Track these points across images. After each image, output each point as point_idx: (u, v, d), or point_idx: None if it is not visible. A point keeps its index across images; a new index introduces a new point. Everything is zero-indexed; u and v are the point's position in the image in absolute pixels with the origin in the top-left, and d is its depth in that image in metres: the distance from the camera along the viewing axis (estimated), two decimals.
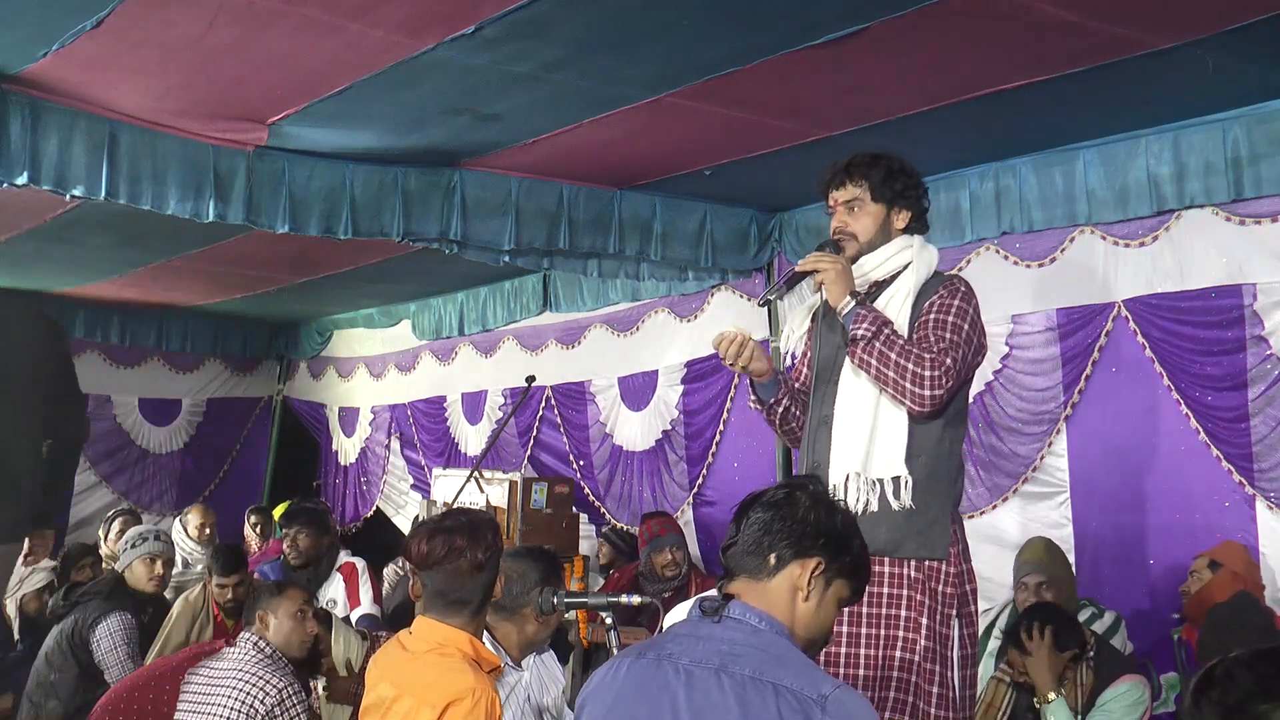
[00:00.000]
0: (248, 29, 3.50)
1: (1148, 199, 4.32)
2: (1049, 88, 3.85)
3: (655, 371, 6.56)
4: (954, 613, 2.91)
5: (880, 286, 3.04)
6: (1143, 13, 3.32)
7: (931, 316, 2.93)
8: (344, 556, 5.36)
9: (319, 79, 3.92)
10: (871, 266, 3.03)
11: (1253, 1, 3.23)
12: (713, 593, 2.26)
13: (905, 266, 3.02)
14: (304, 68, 3.82)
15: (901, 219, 3.05)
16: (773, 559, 2.09)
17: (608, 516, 6.72)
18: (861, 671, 2.85)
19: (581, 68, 3.78)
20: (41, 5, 3.41)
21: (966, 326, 2.93)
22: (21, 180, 4.03)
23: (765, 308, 3.00)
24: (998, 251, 4.89)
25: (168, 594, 5.35)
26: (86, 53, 3.70)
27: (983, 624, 4.39)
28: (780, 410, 3.20)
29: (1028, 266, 4.81)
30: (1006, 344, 4.86)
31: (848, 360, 2.97)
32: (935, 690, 2.85)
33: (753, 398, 3.24)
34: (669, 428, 6.45)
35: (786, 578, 2.08)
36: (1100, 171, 4.44)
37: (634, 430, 6.66)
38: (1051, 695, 3.52)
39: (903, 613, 2.88)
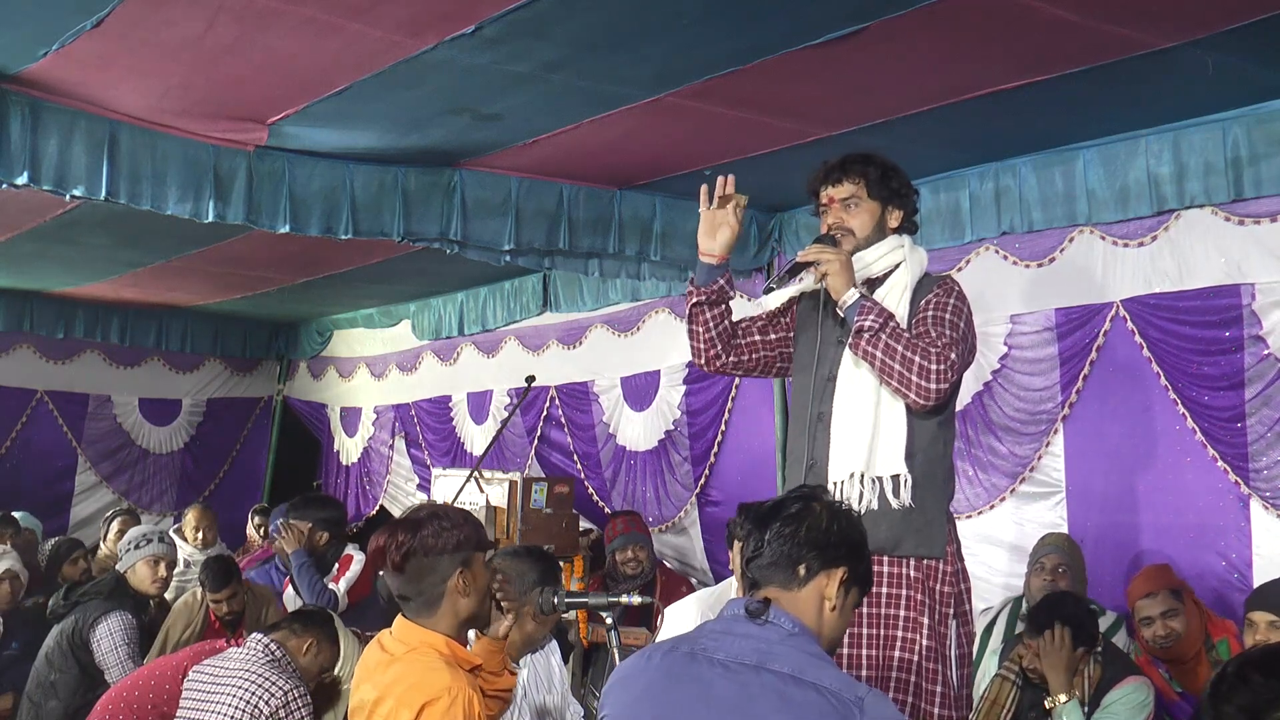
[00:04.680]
0: (248, 29, 3.50)
1: (1147, 199, 4.33)
2: (1049, 88, 3.85)
3: (657, 372, 6.56)
4: (951, 612, 2.93)
5: (874, 283, 3.04)
6: (1143, 13, 3.32)
7: (930, 314, 2.95)
8: (347, 550, 5.34)
9: (319, 79, 3.92)
10: (871, 260, 3.04)
11: (1253, 1, 3.23)
12: (706, 592, 2.27)
13: (898, 265, 3.03)
14: (304, 68, 3.82)
15: (895, 218, 3.07)
16: (802, 570, 2.15)
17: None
18: (863, 672, 2.85)
19: (581, 68, 3.78)
20: (41, 5, 3.41)
21: (963, 325, 2.96)
22: (21, 180, 4.03)
23: (766, 296, 3.04)
24: (997, 251, 4.90)
25: (168, 594, 5.34)
26: (86, 53, 3.70)
27: (981, 624, 4.40)
28: (708, 308, 3.16)
29: (1026, 266, 4.81)
30: (1005, 344, 4.86)
31: (847, 356, 2.97)
32: (939, 690, 2.85)
33: (691, 287, 3.20)
34: (671, 428, 6.45)
35: (815, 588, 2.15)
36: (1100, 171, 4.45)
37: (637, 430, 6.66)
38: (1063, 696, 3.51)
39: (902, 612, 2.88)
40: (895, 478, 2.90)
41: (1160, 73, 3.72)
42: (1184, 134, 4.20)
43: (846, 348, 2.98)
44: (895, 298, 2.99)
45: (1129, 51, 3.57)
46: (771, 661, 2.02)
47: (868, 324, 2.88)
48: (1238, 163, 4.08)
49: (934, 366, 2.83)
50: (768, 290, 3.20)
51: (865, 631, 2.88)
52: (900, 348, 2.85)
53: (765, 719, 1.95)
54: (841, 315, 2.98)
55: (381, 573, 2.79)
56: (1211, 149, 4.14)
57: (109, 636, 4.62)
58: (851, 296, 2.93)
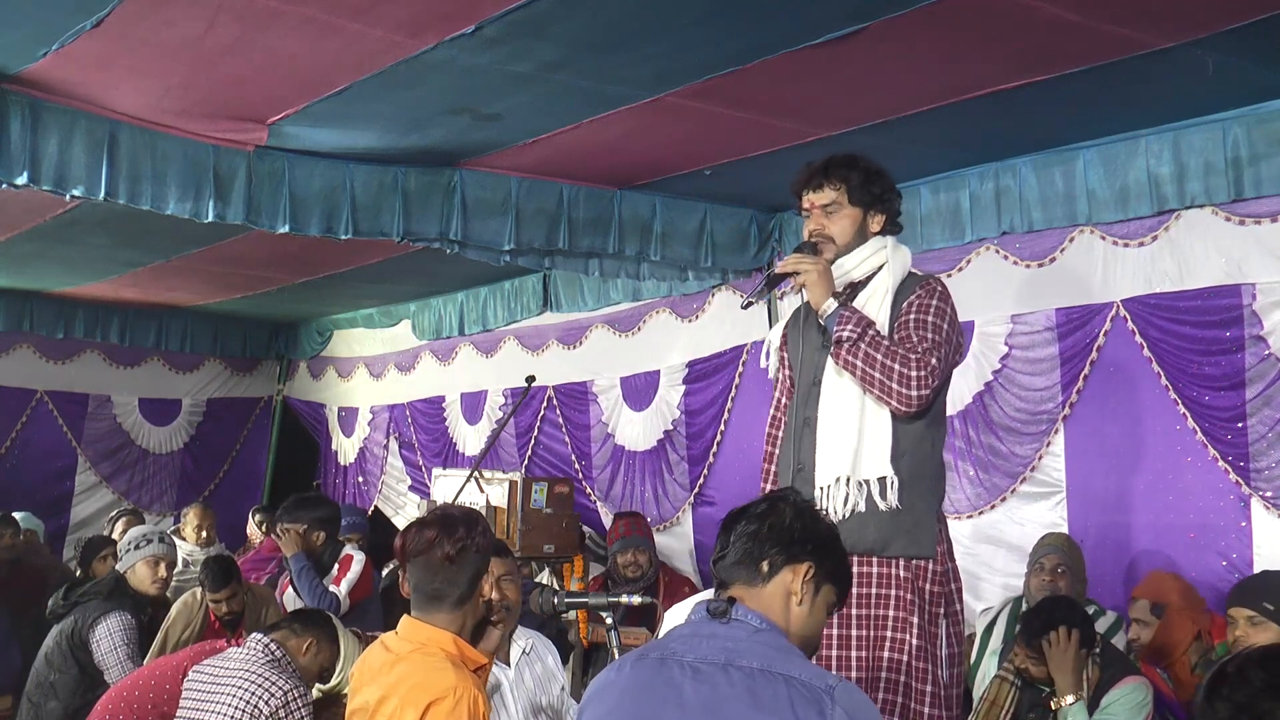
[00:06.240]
0: (248, 29, 3.50)
1: (1148, 199, 4.33)
2: (1049, 88, 3.85)
3: (657, 371, 6.56)
4: (941, 611, 2.94)
5: (856, 287, 3.05)
6: (1143, 13, 3.33)
7: (912, 316, 2.95)
8: (347, 549, 5.33)
9: (319, 79, 3.92)
10: (851, 266, 3.04)
11: (1253, 1, 3.23)
12: (706, 594, 2.28)
13: (881, 267, 3.03)
14: (304, 68, 3.82)
15: (877, 222, 3.07)
16: (765, 566, 2.16)
17: (605, 515, 6.72)
18: (854, 674, 2.85)
19: (581, 68, 3.78)
20: (41, 5, 3.41)
21: (946, 326, 2.96)
22: (21, 180, 4.03)
23: (747, 310, 3.04)
24: (997, 251, 4.90)
25: (167, 594, 5.32)
26: (86, 53, 3.70)
27: (981, 624, 4.40)
28: None
29: (1027, 266, 4.81)
30: (1005, 344, 4.86)
31: (829, 362, 2.98)
32: (929, 689, 2.86)
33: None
34: (670, 428, 6.45)
35: (780, 583, 2.15)
36: (1100, 171, 4.45)
37: (636, 430, 6.66)
38: (1070, 697, 3.52)
39: (891, 612, 2.89)
40: (882, 480, 2.90)
41: (1160, 73, 3.72)
42: (1184, 134, 4.20)
43: (830, 353, 2.98)
44: (878, 301, 3.00)
45: (1129, 51, 3.57)
46: (739, 658, 2.02)
47: (846, 334, 2.89)
48: (1238, 163, 4.08)
49: (914, 373, 2.84)
50: (746, 305, 3.19)
51: (855, 633, 2.88)
52: (880, 356, 2.86)
53: (739, 718, 1.95)
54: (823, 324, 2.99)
55: (399, 567, 2.78)
56: (1211, 149, 4.14)
57: (108, 637, 4.61)
58: (830, 307, 2.94)
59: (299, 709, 3.55)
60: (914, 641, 2.86)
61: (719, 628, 2.09)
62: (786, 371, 3.24)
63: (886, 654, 2.87)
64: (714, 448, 6.16)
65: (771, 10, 3.33)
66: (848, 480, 2.91)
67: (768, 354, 3.29)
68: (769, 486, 3.21)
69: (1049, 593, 4.09)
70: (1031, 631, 3.63)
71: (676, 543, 6.35)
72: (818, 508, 2.87)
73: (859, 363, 2.88)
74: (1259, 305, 4.13)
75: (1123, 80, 3.79)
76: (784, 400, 3.26)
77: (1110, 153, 4.41)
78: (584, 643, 5.12)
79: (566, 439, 7.14)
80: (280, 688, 3.52)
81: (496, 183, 5.01)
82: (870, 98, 4.05)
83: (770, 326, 5.64)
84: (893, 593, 2.89)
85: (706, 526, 6.15)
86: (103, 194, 4.18)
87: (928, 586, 2.91)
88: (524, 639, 3.33)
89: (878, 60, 3.69)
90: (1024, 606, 4.13)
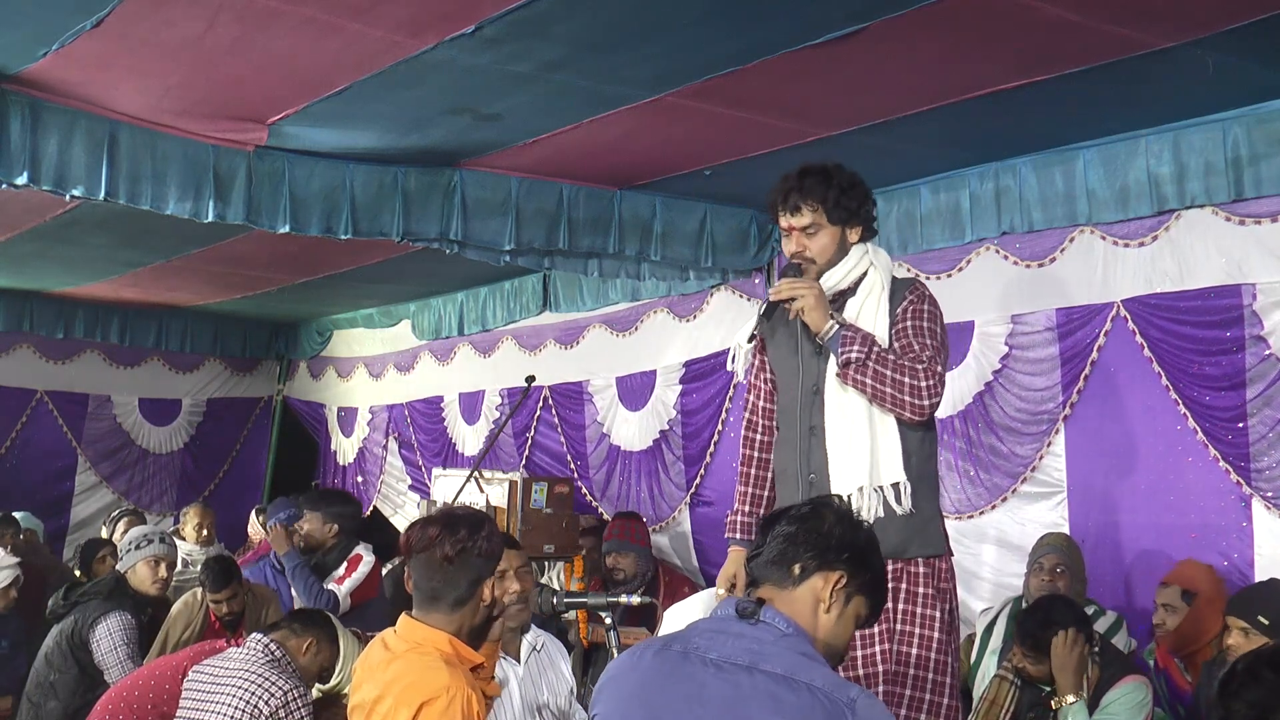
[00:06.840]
0: (248, 29, 3.50)
1: (1148, 199, 4.33)
2: (1049, 88, 3.85)
3: (653, 371, 6.56)
4: (951, 606, 3.01)
5: (845, 294, 3.07)
6: (1143, 13, 3.33)
7: (909, 324, 3.00)
8: (358, 549, 5.31)
9: (319, 79, 3.92)
10: (838, 278, 3.07)
11: (1253, 1, 3.23)
12: (707, 593, 2.28)
13: (865, 273, 3.06)
14: (304, 68, 3.82)
15: (855, 233, 3.10)
16: (797, 569, 2.15)
17: (603, 515, 6.72)
18: (879, 668, 2.91)
19: (581, 68, 3.78)
20: (41, 5, 3.41)
21: (940, 331, 3.03)
22: (21, 180, 4.03)
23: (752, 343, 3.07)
24: (998, 251, 4.90)
25: (167, 594, 5.32)
26: (86, 53, 3.70)
27: (981, 624, 4.40)
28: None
29: (1027, 266, 4.81)
30: (1006, 344, 4.86)
31: (831, 367, 3.00)
32: (947, 680, 2.95)
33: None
34: (666, 428, 6.44)
35: (810, 589, 2.14)
36: (1100, 171, 4.45)
37: (631, 430, 6.65)
38: (1071, 697, 3.52)
39: (909, 607, 2.95)
40: (896, 485, 2.95)
41: (1160, 73, 3.72)
42: (1184, 134, 4.21)
43: (829, 360, 2.99)
44: (873, 306, 3.03)
45: (1129, 51, 3.57)
46: (764, 662, 2.02)
47: (854, 355, 2.92)
48: (1238, 163, 4.08)
49: (924, 384, 2.90)
50: (751, 338, 3.20)
51: (880, 630, 2.92)
52: (889, 372, 2.91)
53: None
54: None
55: (404, 563, 2.78)
56: (1211, 149, 4.14)
57: (108, 637, 4.62)
58: (830, 329, 2.96)
59: (299, 709, 3.55)
60: (939, 636, 2.93)
61: (746, 628, 2.08)
62: (768, 375, 3.25)
63: (910, 650, 2.93)
64: (710, 448, 6.16)
65: (771, 10, 3.33)
66: (869, 488, 2.95)
67: (733, 358, 3.28)
68: (750, 491, 3.27)
69: (1048, 592, 4.09)
70: (1027, 631, 3.63)
71: (675, 542, 6.34)
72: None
73: (869, 381, 2.93)
74: (1259, 305, 4.13)
75: (1123, 80, 3.79)
76: (763, 405, 3.27)
77: (1110, 153, 4.42)
78: (584, 643, 5.12)
79: (562, 439, 7.14)
80: (280, 688, 3.52)
81: (496, 183, 5.01)
82: (870, 98, 4.05)
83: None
84: (915, 590, 2.96)
85: (704, 526, 6.15)
86: (103, 194, 4.18)
87: (940, 583, 2.99)
88: (534, 637, 3.34)
89: (878, 60, 3.69)
90: (1023, 606, 4.14)
